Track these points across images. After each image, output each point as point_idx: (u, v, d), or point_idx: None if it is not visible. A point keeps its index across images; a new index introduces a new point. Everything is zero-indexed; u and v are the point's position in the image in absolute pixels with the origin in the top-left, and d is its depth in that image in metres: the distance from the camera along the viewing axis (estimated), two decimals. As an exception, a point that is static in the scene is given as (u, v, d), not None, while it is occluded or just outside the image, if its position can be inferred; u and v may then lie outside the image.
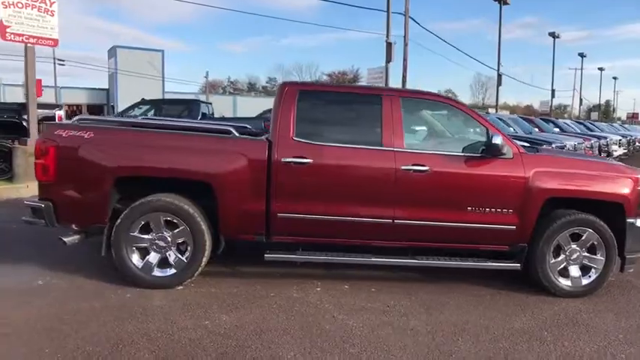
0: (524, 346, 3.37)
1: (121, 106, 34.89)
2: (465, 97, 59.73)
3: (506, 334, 3.53)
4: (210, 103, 13.63)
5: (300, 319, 3.64)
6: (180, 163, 4.01)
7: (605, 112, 60.40)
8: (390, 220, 4.16)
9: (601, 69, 56.43)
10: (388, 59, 16.86)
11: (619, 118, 58.25)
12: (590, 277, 4.35)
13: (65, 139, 3.97)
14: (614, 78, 65.14)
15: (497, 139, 4.06)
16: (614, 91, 69.95)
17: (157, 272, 4.09)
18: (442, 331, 3.54)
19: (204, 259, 4.13)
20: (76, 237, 4.16)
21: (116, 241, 4.01)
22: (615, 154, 15.44)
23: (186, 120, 9.16)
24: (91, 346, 3.10)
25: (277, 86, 4.39)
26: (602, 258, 4.32)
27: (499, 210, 4.20)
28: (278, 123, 4.14)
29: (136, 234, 4.05)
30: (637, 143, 21.59)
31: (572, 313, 3.99)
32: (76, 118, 4.31)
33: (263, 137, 4.22)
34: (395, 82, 19.66)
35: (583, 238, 4.31)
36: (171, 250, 4.10)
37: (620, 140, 17.15)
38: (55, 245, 4.31)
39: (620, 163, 4.76)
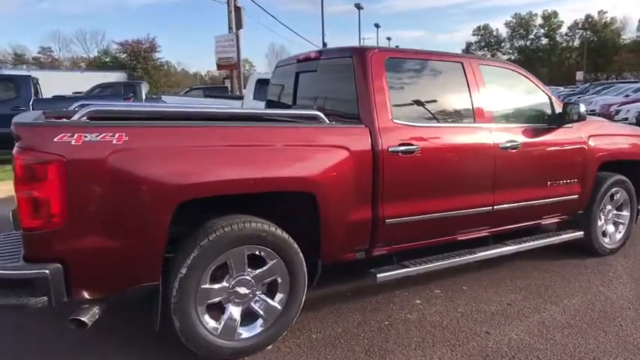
0: (668, 313, 3.36)
1: None
2: (262, 66, 60.28)
3: (637, 302, 3.49)
4: (37, 79, 10.27)
5: (465, 349, 2.90)
6: (281, 170, 2.69)
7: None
8: (491, 207, 3.65)
9: (389, 38, 64.92)
10: (238, 26, 15.39)
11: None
12: (620, 232, 4.66)
13: (79, 149, 2.21)
14: (397, 46, 75.78)
15: (582, 108, 3.89)
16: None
17: (243, 332, 2.75)
18: (590, 318, 3.27)
19: (303, 298, 2.95)
20: (96, 309, 2.45)
21: (182, 304, 2.51)
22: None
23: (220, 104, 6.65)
24: None
25: (351, 53, 3.26)
26: (627, 213, 4.66)
27: (569, 180, 4.09)
28: (373, 102, 3.12)
29: (207, 286, 2.61)
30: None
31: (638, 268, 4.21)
32: (84, 111, 2.44)
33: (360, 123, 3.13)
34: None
35: (616, 197, 4.56)
36: (256, 295, 2.80)
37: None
38: (40, 324, 2.52)
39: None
